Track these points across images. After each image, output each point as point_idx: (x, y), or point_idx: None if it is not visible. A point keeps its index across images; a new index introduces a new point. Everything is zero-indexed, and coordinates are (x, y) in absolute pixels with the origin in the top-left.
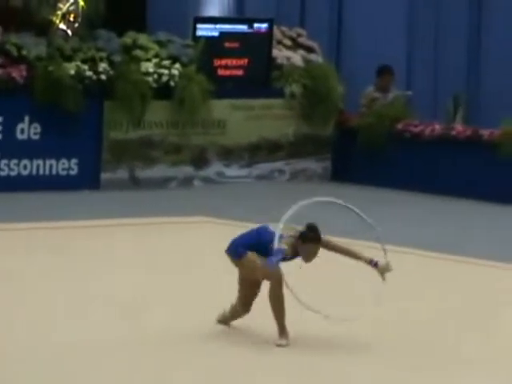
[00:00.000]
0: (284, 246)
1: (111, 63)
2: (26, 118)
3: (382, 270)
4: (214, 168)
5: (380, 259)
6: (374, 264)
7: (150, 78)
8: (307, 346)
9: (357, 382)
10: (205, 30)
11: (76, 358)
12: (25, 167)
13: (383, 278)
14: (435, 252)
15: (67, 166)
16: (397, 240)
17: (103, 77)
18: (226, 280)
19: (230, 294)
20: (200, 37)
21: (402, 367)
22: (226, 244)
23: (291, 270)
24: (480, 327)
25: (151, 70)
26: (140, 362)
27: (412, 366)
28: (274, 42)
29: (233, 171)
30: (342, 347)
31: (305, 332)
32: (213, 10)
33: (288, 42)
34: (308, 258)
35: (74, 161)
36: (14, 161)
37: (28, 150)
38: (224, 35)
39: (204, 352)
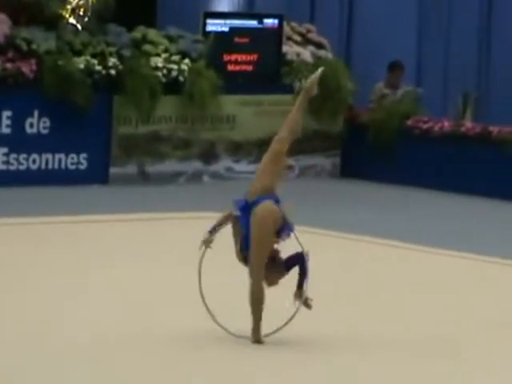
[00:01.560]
0: None
1: (121, 58)
2: (36, 113)
3: None
4: (223, 163)
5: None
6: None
7: (159, 73)
8: (305, 345)
9: (356, 379)
10: (215, 26)
11: (76, 357)
12: (34, 161)
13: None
14: (442, 249)
15: (76, 161)
16: (402, 236)
17: (113, 71)
18: (233, 276)
19: (235, 290)
20: (210, 32)
21: (403, 366)
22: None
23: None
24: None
25: (160, 64)
26: (141, 362)
27: (416, 365)
28: (284, 38)
29: (242, 167)
30: (341, 345)
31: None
32: (223, 6)
33: (298, 38)
34: None
35: (83, 155)
36: (23, 155)
37: (37, 144)
38: (234, 31)
39: (205, 351)
